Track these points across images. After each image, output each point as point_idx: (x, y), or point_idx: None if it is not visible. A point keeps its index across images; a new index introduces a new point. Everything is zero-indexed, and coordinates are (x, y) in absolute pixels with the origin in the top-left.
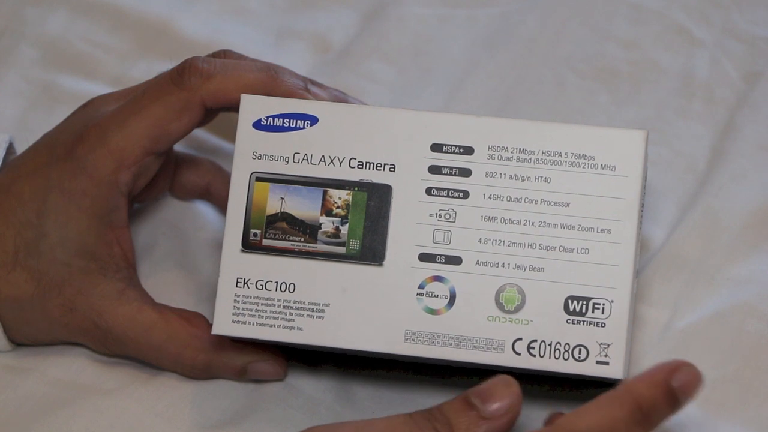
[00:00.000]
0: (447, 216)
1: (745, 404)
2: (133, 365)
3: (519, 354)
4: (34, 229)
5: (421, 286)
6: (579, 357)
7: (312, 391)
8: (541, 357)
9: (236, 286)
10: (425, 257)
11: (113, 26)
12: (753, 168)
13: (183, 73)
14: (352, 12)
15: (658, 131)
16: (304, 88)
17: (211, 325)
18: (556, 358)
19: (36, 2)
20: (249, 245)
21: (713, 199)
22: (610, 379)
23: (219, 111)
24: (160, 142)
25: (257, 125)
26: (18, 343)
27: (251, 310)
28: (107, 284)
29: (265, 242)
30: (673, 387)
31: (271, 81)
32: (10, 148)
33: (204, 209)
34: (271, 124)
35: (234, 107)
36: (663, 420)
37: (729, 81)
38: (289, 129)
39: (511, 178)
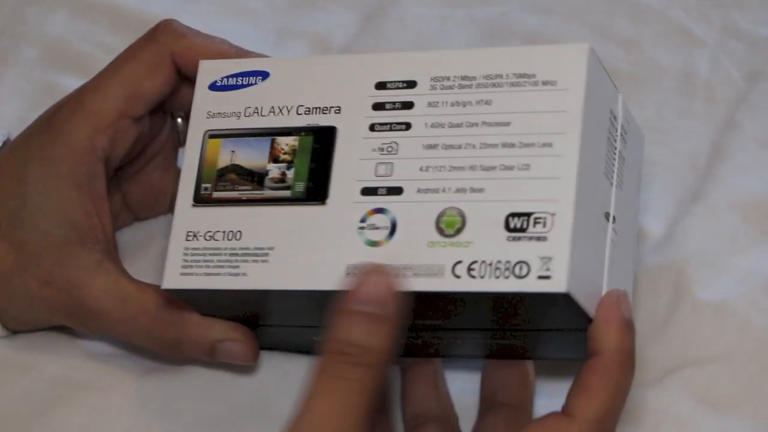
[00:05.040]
0: (389, 149)
1: (748, 400)
2: (131, 361)
3: (459, 277)
4: (17, 199)
5: (362, 220)
6: (520, 274)
7: None
8: (482, 278)
9: (186, 240)
10: (367, 191)
11: (113, 26)
12: (754, 162)
13: (156, 30)
14: (352, 12)
15: (659, 131)
16: None
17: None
18: (497, 278)
19: (36, 2)
20: (200, 199)
21: (714, 193)
22: (553, 295)
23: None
24: (133, 102)
25: (212, 87)
26: (10, 329)
27: (199, 262)
28: (86, 255)
29: (215, 194)
30: (628, 319)
31: (244, 53)
32: (7, 143)
33: None
34: (225, 84)
35: None
36: None
37: (730, 80)
38: (242, 86)
39: (452, 105)
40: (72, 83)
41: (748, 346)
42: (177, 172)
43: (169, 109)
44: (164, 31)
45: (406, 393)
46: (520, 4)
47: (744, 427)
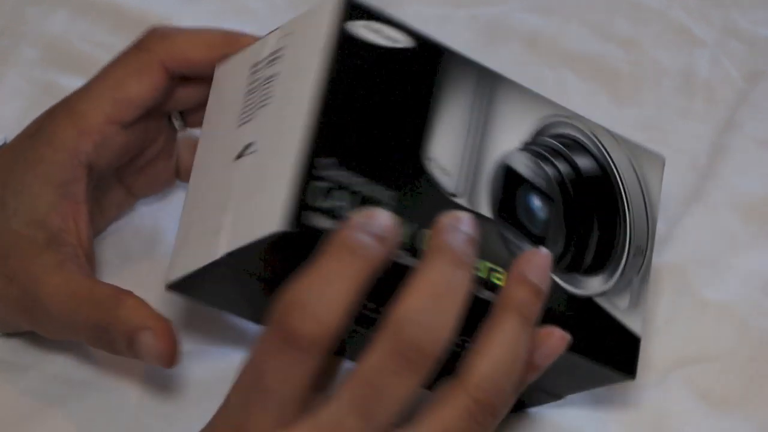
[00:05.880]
0: None
1: (749, 400)
2: (131, 361)
3: None
4: None
5: None
6: None
7: None
8: None
9: None
10: None
11: (113, 26)
12: (754, 162)
13: (144, 38)
14: None
15: (659, 130)
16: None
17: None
18: None
19: (36, 2)
20: None
21: (714, 193)
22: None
23: (190, 79)
24: (121, 106)
25: None
26: (1, 332)
27: None
28: (50, 255)
29: None
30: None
31: (231, 38)
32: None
33: None
34: None
35: (199, 71)
36: None
37: (730, 80)
38: None
39: None
40: (72, 83)
41: (749, 346)
42: (172, 147)
43: (165, 110)
44: (151, 37)
45: None
46: (521, 4)
47: (745, 427)
